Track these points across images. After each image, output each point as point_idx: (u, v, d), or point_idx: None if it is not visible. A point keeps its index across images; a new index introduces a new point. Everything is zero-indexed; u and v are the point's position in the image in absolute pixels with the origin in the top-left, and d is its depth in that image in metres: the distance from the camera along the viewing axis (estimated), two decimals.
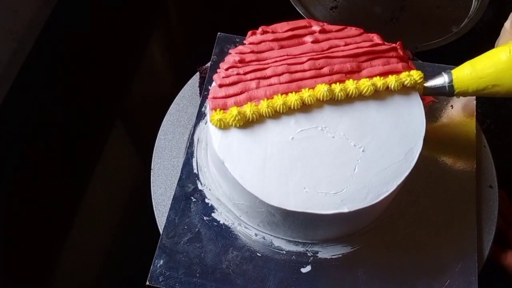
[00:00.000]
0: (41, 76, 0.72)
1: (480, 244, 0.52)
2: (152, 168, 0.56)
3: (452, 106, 0.60)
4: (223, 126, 0.47)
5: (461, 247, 0.51)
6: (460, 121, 0.58)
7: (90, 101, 0.71)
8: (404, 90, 0.50)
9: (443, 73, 0.52)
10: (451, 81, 0.51)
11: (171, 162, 0.57)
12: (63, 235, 0.60)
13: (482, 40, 0.75)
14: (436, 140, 0.58)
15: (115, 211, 0.63)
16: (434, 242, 0.52)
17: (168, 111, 0.60)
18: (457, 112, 0.59)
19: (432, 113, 0.59)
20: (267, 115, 0.48)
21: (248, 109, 0.47)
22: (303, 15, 0.74)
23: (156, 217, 0.53)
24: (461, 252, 0.51)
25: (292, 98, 0.48)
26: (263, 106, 0.47)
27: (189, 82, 0.62)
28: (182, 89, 0.61)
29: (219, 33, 0.63)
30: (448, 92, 0.52)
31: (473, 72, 0.50)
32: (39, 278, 0.58)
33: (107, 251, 0.60)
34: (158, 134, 0.58)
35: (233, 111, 0.47)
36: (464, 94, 0.52)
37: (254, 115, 0.47)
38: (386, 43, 0.53)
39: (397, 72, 0.51)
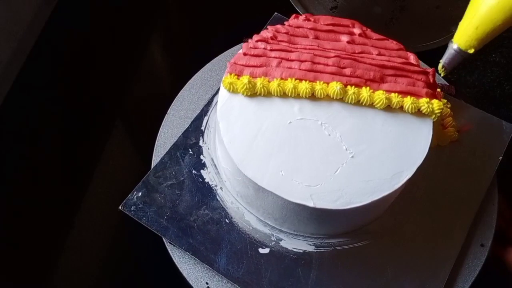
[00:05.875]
0: (41, 76, 0.72)
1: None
2: (168, 113, 0.60)
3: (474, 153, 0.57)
4: (232, 90, 0.50)
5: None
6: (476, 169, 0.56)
7: (90, 101, 0.70)
8: (419, 113, 0.50)
9: (448, 43, 0.53)
10: (458, 47, 0.52)
11: (186, 113, 0.60)
12: (63, 235, 0.60)
13: None
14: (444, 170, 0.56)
15: (115, 211, 0.63)
16: (396, 270, 0.51)
17: (202, 69, 0.63)
18: (476, 161, 0.57)
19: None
20: (276, 94, 0.49)
21: (259, 82, 0.49)
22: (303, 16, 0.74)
23: (154, 155, 0.57)
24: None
25: (303, 86, 0.49)
26: (274, 84, 0.49)
27: (225, 52, 0.64)
28: (217, 57, 0.64)
29: (275, 13, 0.67)
30: (463, 55, 0.52)
31: (468, 27, 0.50)
32: (39, 278, 0.58)
33: (107, 251, 0.60)
34: (185, 86, 0.62)
35: (244, 79, 0.49)
36: (478, 46, 0.51)
37: (263, 89, 0.49)
38: (420, 66, 0.52)
39: (418, 95, 0.50)
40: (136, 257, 0.60)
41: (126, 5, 0.80)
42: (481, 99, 0.69)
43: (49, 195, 0.63)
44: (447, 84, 0.62)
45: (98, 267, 0.60)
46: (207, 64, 0.63)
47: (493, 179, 0.56)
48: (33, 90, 0.71)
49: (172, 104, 0.61)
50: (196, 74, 0.63)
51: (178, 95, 0.61)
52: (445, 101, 0.56)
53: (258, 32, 0.54)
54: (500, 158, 0.57)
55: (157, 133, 0.59)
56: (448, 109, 0.56)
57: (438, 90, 0.54)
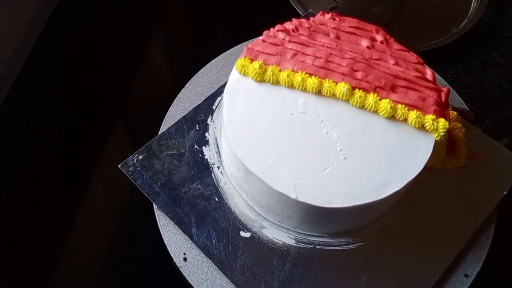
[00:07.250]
0: (42, 76, 0.72)
1: None
2: (185, 87, 0.62)
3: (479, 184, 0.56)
4: (243, 72, 0.51)
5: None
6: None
7: (90, 101, 0.70)
8: (424, 129, 0.48)
9: None
10: None
11: (202, 90, 0.61)
12: (63, 235, 0.60)
13: (482, 40, 0.75)
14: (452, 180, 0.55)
15: (115, 211, 0.63)
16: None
17: (227, 51, 0.64)
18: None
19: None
20: (284, 84, 0.50)
21: (270, 70, 0.50)
22: (302, 15, 0.74)
23: (162, 124, 0.59)
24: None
25: (311, 81, 0.49)
26: (284, 74, 0.50)
27: (254, 39, 0.64)
28: (244, 42, 0.65)
29: (310, 9, 0.70)
30: None
31: None
32: (39, 278, 0.58)
33: (107, 251, 0.60)
34: (207, 65, 0.63)
35: (256, 64, 0.50)
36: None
37: (272, 77, 0.50)
38: (436, 84, 0.51)
39: (425, 111, 0.48)
40: (136, 257, 0.60)
41: (126, 5, 0.80)
42: (481, 99, 0.69)
43: (49, 195, 0.63)
44: (467, 109, 0.61)
45: (98, 267, 0.60)
46: (232, 48, 0.65)
47: (492, 213, 0.54)
48: (33, 90, 0.71)
49: (191, 79, 0.62)
50: (220, 55, 0.64)
51: (199, 72, 0.63)
52: (460, 125, 0.55)
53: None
54: (505, 193, 0.54)
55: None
56: (461, 134, 0.55)
57: (455, 113, 0.53)
